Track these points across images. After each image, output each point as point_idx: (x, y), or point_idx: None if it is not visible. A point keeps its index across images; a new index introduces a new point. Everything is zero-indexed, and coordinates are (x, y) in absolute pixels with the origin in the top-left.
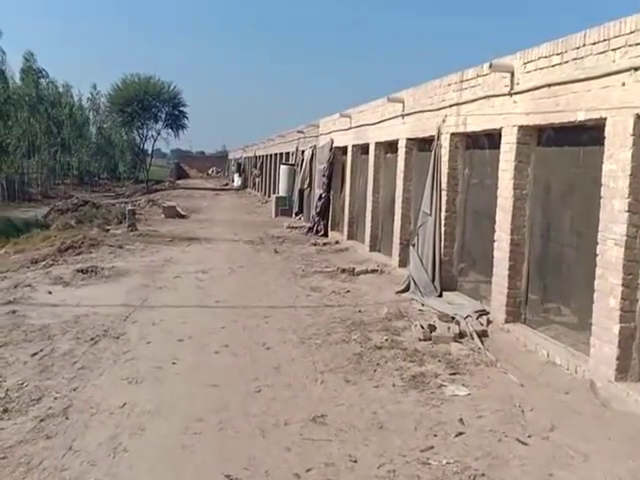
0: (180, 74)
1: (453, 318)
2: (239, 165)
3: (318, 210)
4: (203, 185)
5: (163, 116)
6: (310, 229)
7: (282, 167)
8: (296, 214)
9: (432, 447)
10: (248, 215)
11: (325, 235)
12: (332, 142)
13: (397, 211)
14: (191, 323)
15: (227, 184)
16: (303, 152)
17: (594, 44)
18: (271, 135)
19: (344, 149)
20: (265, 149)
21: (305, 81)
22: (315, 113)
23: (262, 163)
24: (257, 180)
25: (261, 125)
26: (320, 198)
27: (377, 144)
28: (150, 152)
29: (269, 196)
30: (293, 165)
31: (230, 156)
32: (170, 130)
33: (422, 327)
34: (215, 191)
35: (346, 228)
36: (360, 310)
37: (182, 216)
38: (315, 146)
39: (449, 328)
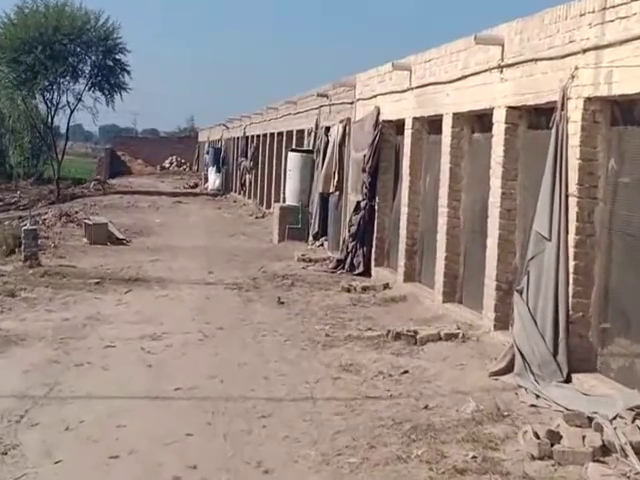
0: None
1: (591, 420)
2: (217, 153)
3: (354, 230)
4: (155, 187)
5: (87, 70)
6: (340, 263)
7: (291, 156)
8: (315, 237)
9: None
10: (232, 238)
11: (366, 273)
12: (378, 113)
13: (492, 232)
14: (133, 427)
15: (197, 184)
16: (327, 130)
17: None
18: (272, 102)
19: (399, 125)
20: (262, 126)
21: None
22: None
23: (257, 149)
24: (248, 178)
25: (252, 89)
26: (357, 209)
27: (456, 116)
28: (65, 131)
29: (269, 206)
30: (310, 152)
31: (202, 137)
32: (100, 94)
33: (537, 436)
34: (176, 197)
35: (402, 262)
36: (427, 406)
37: (119, 241)
38: (349, 120)
39: (584, 438)
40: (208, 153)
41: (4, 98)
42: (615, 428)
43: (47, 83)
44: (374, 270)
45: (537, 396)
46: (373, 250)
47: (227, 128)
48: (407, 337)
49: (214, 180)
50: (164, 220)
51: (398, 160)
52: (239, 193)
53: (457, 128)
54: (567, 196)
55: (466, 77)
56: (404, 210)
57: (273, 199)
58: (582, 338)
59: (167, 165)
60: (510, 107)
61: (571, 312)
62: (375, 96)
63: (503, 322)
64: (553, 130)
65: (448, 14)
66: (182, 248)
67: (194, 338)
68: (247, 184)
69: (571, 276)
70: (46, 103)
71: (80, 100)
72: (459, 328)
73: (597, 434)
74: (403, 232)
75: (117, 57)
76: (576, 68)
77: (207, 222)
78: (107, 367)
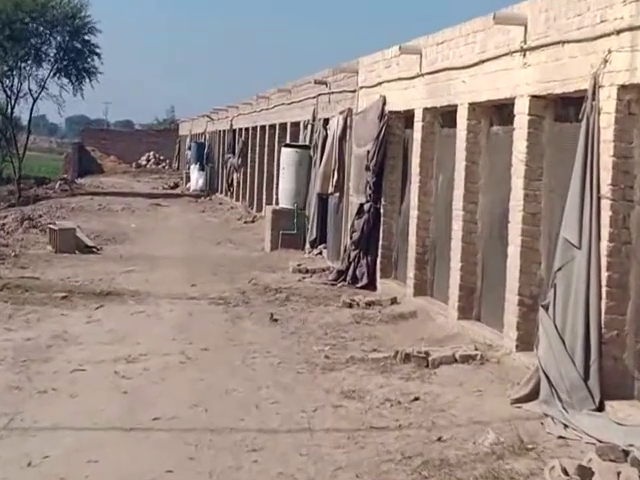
0: None
1: (626, 453)
2: (201, 148)
3: (357, 237)
4: (130, 187)
5: (52, 53)
6: (341, 274)
7: (285, 152)
8: (312, 244)
9: None
10: (218, 246)
11: (370, 286)
12: (383, 103)
13: (513, 239)
14: (106, 463)
15: (177, 184)
16: (326, 123)
17: None
18: (263, 90)
19: (408, 116)
20: (252, 117)
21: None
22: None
23: (246, 144)
24: (236, 177)
25: (240, 75)
26: (360, 213)
27: (473, 107)
28: (26, 123)
29: (260, 209)
30: (306, 148)
31: (183, 131)
32: (66, 81)
33: (565, 472)
34: (154, 199)
35: (412, 273)
36: (441, 438)
37: (89, 249)
38: (350, 111)
39: (619, 474)
40: (190, 149)
41: None
42: None
43: (6, 68)
44: (380, 282)
45: (565, 426)
46: (378, 260)
47: (212, 120)
48: (418, 359)
49: (197, 179)
50: (140, 225)
51: (407, 157)
52: (226, 194)
53: (474, 120)
54: (599, 198)
55: (484, 62)
56: (414, 214)
57: (264, 201)
58: (616, 360)
59: (144, 162)
60: (534, 96)
61: (604, 330)
62: (380, 83)
63: (527, 342)
64: (583, 123)
65: None
66: (161, 257)
67: (175, 361)
68: (235, 184)
69: (604, 289)
70: (5, 91)
71: (44, 88)
72: (477, 349)
73: (634, 470)
74: (412, 239)
75: (86, 38)
76: (609, 52)
77: (189, 227)
78: (75, 394)
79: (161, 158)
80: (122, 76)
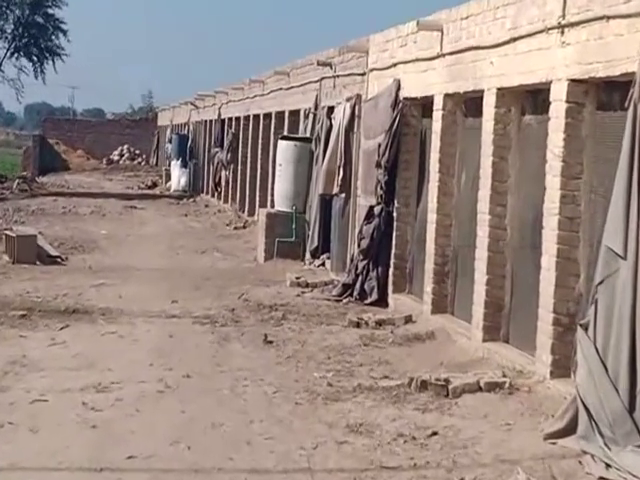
0: None
1: None
2: (183, 141)
3: (366, 245)
4: (100, 186)
5: (9, 30)
6: (347, 288)
7: (282, 146)
8: (313, 254)
9: None
10: (203, 256)
11: (381, 302)
12: (398, 88)
13: (548, 248)
14: None
15: (156, 184)
16: (331, 111)
17: None
18: (257, 73)
19: (426, 104)
20: (244, 105)
21: None
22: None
23: (236, 137)
24: (225, 175)
25: (230, 56)
26: (370, 217)
27: (502, 93)
28: None
29: (252, 212)
30: (307, 141)
31: (163, 120)
32: (26, 61)
33: None
34: (129, 200)
35: (430, 287)
36: (463, 479)
37: (52, 259)
38: (359, 97)
39: None
40: (171, 142)
41: None
42: None
43: None
44: (392, 298)
45: (607, 465)
46: (391, 271)
47: (196, 108)
48: (436, 387)
49: (179, 178)
50: (112, 231)
51: (424, 151)
52: (212, 195)
53: (503, 108)
54: None
55: (515, 40)
56: (432, 218)
57: (258, 203)
58: None
59: (116, 158)
60: (573, 80)
61: None
62: (394, 65)
63: (563, 367)
64: (630, 111)
65: None
66: (136, 269)
67: (152, 390)
68: (223, 183)
69: None
70: None
71: None
72: (505, 375)
73: None
74: (431, 247)
75: (49, 12)
76: None
77: (170, 234)
78: (36, 429)
79: (137, 153)
80: (92, 57)
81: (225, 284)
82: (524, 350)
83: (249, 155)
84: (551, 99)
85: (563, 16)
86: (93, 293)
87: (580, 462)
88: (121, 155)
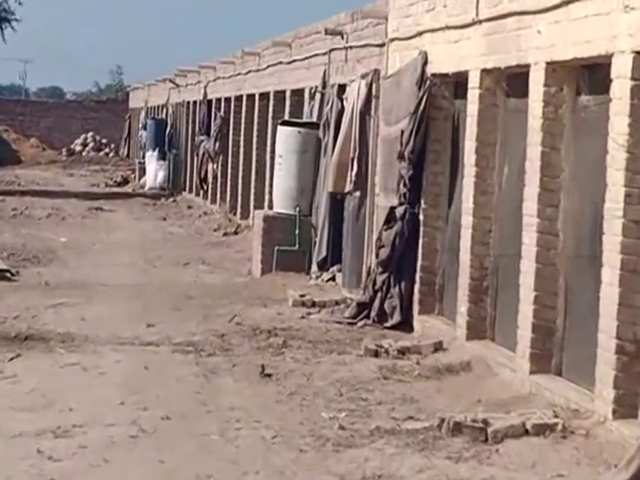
0: None
1: None
2: (161, 127)
3: (386, 255)
4: (59, 183)
5: None
6: (363, 308)
7: (283, 133)
8: (321, 266)
9: None
10: (186, 269)
11: (405, 325)
12: (424, 62)
13: (610, 258)
14: None
15: (127, 180)
16: (342, 91)
17: None
18: (252, 44)
19: (459, 81)
20: (235, 83)
21: None
22: None
23: (226, 122)
24: (212, 169)
25: (218, 23)
26: (391, 221)
27: (552, 68)
28: None
29: (246, 215)
30: (313, 127)
31: (136, 102)
32: None
33: None
34: (94, 200)
35: (465, 307)
36: None
37: (0, 273)
38: (377, 73)
39: None
40: (146, 128)
41: None
42: None
43: None
44: (418, 320)
45: None
46: (416, 287)
47: (177, 87)
48: (472, 431)
49: (156, 173)
50: (74, 239)
51: (457, 140)
52: (197, 194)
53: (553, 87)
54: None
55: (569, 3)
56: (467, 222)
57: (253, 204)
58: None
59: (78, 148)
60: (639, 53)
61: None
62: (420, 34)
63: (628, 405)
64: None
65: None
66: (103, 285)
67: (123, 434)
68: (210, 179)
69: None
70: None
71: None
72: (557, 415)
73: None
74: (465, 258)
75: None
76: None
77: (144, 242)
78: None
79: (103, 142)
80: (48, 24)
81: (213, 303)
82: (581, 384)
83: (242, 144)
84: (612, 76)
85: None
86: (50, 315)
87: None
88: (84, 145)
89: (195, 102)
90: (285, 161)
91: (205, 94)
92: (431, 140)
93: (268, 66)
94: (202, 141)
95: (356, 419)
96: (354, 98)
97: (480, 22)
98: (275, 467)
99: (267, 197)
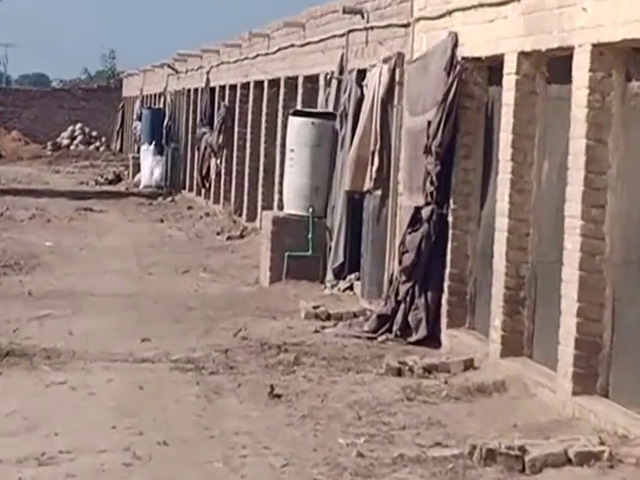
0: None
1: None
2: (157, 118)
3: (410, 262)
4: (43, 181)
5: None
6: (384, 321)
7: (295, 124)
8: (338, 274)
9: None
10: (185, 278)
11: (431, 340)
12: (454, 45)
13: None
14: None
15: (120, 177)
16: (362, 77)
17: None
18: (261, 25)
19: (493, 66)
20: (241, 69)
21: None
22: None
23: (231, 112)
24: (215, 165)
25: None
26: (416, 223)
27: (599, 50)
28: None
29: (252, 217)
30: (329, 117)
31: (130, 90)
32: None
33: None
34: (83, 200)
35: (499, 320)
36: None
37: None
38: (400, 57)
39: None
40: (141, 119)
41: None
42: None
43: None
44: (446, 335)
45: None
46: (444, 298)
47: (176, 73)
48: (508, 459)
49: (152, 169)
50: (60, 243)
51: (491, 132)
52: (198, 193)
53: (600, 72)
54: None
55: None
56: (502, 224)
57: (260, 204)
58: None
59: (65, 141)
60: None
61: None
62: (449, 13)
63: None
64: None
65: None
66: (93, 295)
67: (116, 461)
68: (213, 176)
69: None
70: None
71: None
72: (603, 442)
73: None
74: (500, 265)
75: None
76: None
77: (139, 247)
78: None
79: (93, 134)
80: (32, 4)
81: (215, 316)
82: (630, 407)
83: (249, 137)
84: None
85: None
86: (34, 329)
87: None
88: (72, 138)
89: (196, 90)
90: (297, 156)
91: (207, 81)
92: (462, 132)
93: (279, 49)
94: (204, 134)
95: (376, 445)
96: (375, 85)
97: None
98: None
99: (277, 197)
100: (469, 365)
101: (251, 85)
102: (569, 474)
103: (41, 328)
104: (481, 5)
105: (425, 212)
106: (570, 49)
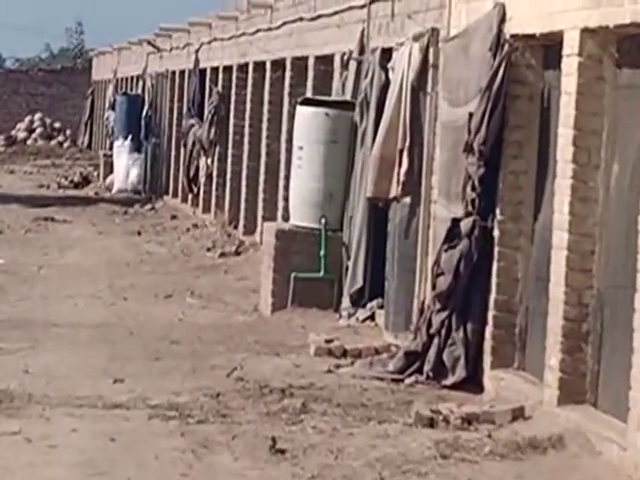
0: None
1: None
2: (135, 106)
3: (446, 286)
4: None
5: None
6: (413, 360)
7: (304, 114)
8: (355, 300)
9: None
10: (168, 304)
11: (470, 384)
12: (501, 19)
13: None
14: None
15: (88, 179)
16: (387, 58)
17: None
18: None
19: (549, 46)
20: (238, 47)
21: None
22: None
23: (225, 99)
24: (206, 165)
25: None
26: (454, 238)
27: None
28: None
29: (251, 229)
30: (346, 107)
31: (101, 72)
32: None
33: None
34: (43, 207)
35: (556, 358)
36: None
37: None
38: (435, 34)
39: None
40: (114, 108)
41: None
42: None
43: None
44: (490, 377)
45: None
46: (488, 331)
47: (158, 51)
48: None
49: (127, 169)
50: (14, 261)
51: (547, 126)
52: (184, 199)
53: None
54: None
55: None
56: (561, 240)
57: (261, 214)
58: None
59: (22, 135)
60: None
61: None
62: None
63: None
64: None
65: None
66: (54, 325)
67: None
68: (202, 179)
69: None
70: None
71: None
72: None
73: None
74: (558, 290)
75: None
76: None
77: (111, 266)
78: None
79: (56, 126)
80: None
81: (205, 351)
82: None
83: (247, 131)
84: None
85: None
86: None
87: None
88: (30, 131)
89: (183, 72)
90: (307, 155)
91: (197, 61)
92: (511, 127)
93: (284, 23)
94: (192, 126)
95: None
96: (404, 68)
97: None
98: None
99: (281, 204)
100: (518, 415)
101: (250, 67)
102: None
103: None
104: None
105: (465, 225)
106: None
